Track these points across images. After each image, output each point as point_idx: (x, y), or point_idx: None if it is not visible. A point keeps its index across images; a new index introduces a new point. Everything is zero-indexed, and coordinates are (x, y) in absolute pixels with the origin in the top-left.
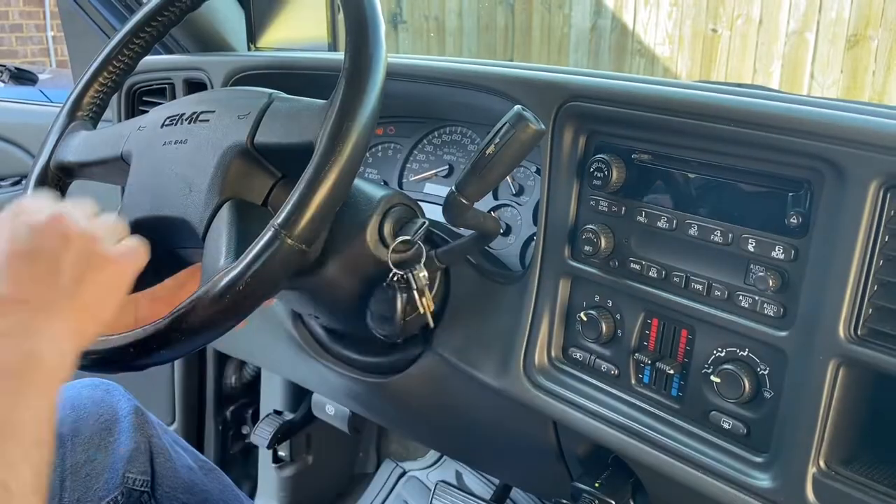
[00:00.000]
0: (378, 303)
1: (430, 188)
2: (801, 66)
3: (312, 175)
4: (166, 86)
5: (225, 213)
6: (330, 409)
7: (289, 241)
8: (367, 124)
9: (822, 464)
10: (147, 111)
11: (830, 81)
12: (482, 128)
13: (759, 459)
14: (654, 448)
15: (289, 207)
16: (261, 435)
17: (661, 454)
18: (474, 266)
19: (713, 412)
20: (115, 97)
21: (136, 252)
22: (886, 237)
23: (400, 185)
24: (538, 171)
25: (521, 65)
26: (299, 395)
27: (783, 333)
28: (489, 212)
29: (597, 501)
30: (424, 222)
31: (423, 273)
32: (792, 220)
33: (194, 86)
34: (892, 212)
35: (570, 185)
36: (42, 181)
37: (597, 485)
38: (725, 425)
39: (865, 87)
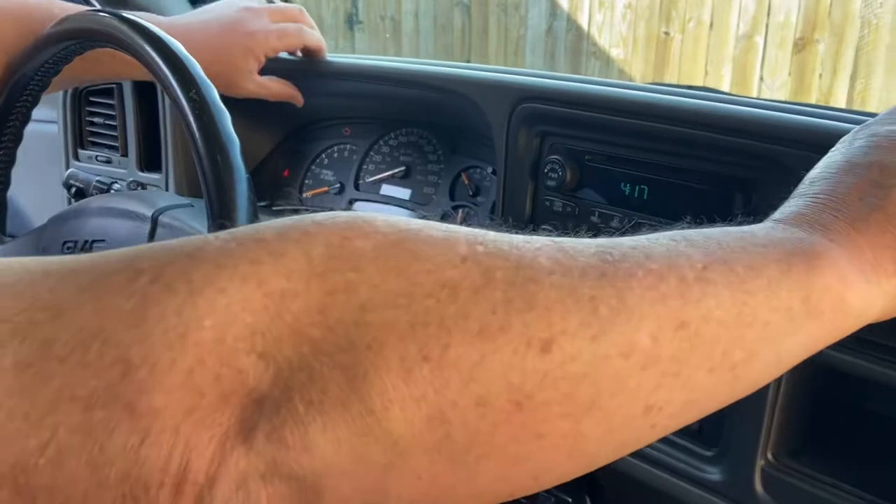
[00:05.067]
0: None
1: (386, 189)
2: (750, 68)
3: None
4: (113, 86)
5: None
6: None
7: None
8: None
9: (769, 457)
10: (96, 112)
11: (779, 84)
12: (439, 129)
13: (709, 454)
14: None
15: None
16: None
17: None
18: None
19: None
20: (60, 98)
21: None
22: None
23: (356, 186)
24: (494, 172)
25: (477, 66)
26: None
27: None
28: (447, 212)
29: (553, 499)
30: None
31: None
32: (739, 219)
33: (143, 85)
34: None
35: (525, 186)
36: None
37: None
38: None
39: (812, 90)
